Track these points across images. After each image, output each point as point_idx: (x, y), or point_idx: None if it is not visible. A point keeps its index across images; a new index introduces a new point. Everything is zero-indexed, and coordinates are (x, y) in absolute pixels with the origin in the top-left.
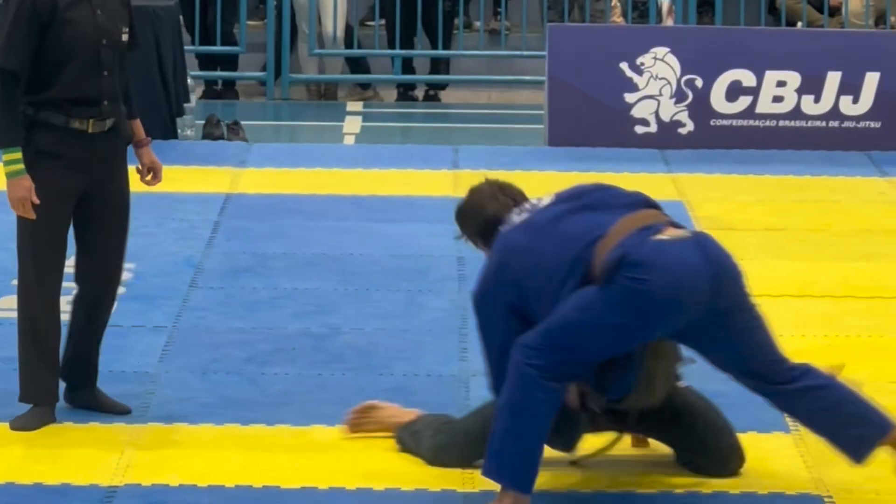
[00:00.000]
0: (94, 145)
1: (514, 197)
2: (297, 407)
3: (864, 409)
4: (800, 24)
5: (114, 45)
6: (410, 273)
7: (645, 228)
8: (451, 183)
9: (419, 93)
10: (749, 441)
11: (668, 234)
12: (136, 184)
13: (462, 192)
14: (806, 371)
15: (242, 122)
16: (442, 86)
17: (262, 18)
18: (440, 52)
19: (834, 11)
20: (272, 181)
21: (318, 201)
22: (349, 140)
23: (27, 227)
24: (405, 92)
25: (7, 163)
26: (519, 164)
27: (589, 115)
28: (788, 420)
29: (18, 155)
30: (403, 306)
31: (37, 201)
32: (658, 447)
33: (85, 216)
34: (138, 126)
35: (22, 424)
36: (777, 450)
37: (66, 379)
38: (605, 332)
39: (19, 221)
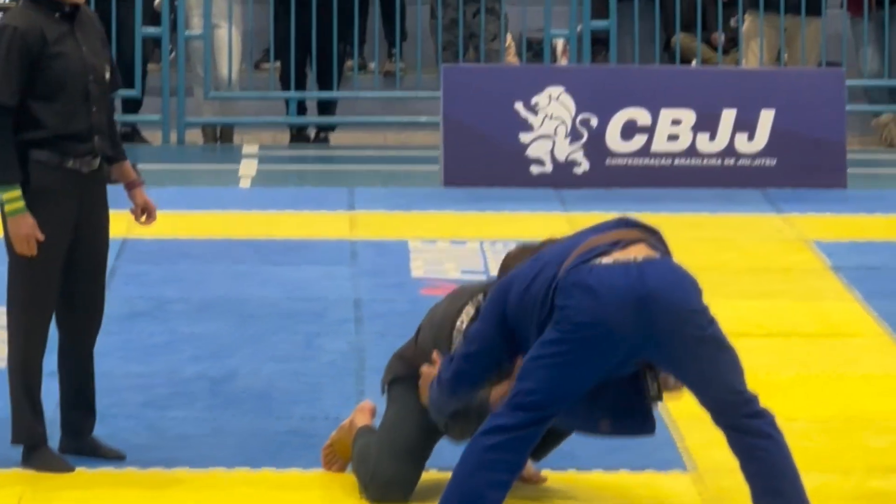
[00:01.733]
0: (84, 185)
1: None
2: (195, 451)
3: (791, 487)
4: (694, 61)
5: (100, 82)
6: (307, 315)
7: (594, 249)
8: (347, 225)
9: (310, 133)
10: (646, 480)
11: (614, 256)
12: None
13: (359, 234)
14: (759, 422)
15: (138, 166)
16: (331, 127)
17: (158, 62)
18: (335, 93)
19: (728, 49)
20: (169, 225)
21: (214, 245)
22: (245, 183)
23: (24, 267)
24: (299, 134)
25: (7, 201)
26: (415, 206)
27: (484, 155)
28: (686, 459)
29: (18, 192)
30: (301, 349)
31: (41, 238)
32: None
33: (70, 257)
34: (128, 167)
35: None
36: (674, 489)
37: (65, 426)
38: (548, 365)
39: (14, 262)
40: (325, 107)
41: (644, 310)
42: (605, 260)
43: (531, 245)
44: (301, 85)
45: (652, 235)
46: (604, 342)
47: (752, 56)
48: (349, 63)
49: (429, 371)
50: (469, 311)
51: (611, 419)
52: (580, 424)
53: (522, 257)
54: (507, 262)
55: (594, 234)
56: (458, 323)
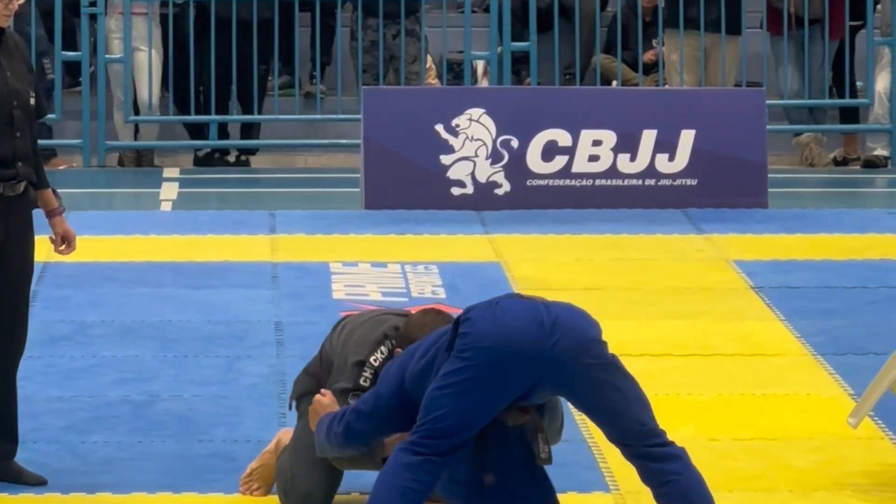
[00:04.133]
0: (9, 208)
1: None
2: (117, 475)
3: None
4: (615, 82)
5: (24, 108)
6: (228, 339)
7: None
8: (268, 248)
9: (231, 157)
10: (568, 501)
11: (514, 297)
12: None
13: (280, 257)
14: (668, 449)
15: (59, 190)
16: (252, 150)
17: (78, 86)
18: (255, 116)
19: (649, 70)
20: (89, 249)
21: (135, 268)
22: (166, 206)
23: None
24: (221, 157)
25: None
26: (336, 228)
27: (405, 177)
28: (608, 480)
29: None
30: (222, 372)
31: None
32: None
33: None
34: (50, 195)
35: None
36: None
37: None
38: (454, 392)
39: None
40: (248, 130)
41: (547, 331)
42: (506, 298)
43: (433, 314)
44: (224, 108)
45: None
46: (506, 364)
47: (674, 76)
48: (268, 85)
49: (320, 400)
50: (383, 350)
51: (495, 473)
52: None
53: (425, 327)
54: (411, 331)
55: None
56: (371, 359)
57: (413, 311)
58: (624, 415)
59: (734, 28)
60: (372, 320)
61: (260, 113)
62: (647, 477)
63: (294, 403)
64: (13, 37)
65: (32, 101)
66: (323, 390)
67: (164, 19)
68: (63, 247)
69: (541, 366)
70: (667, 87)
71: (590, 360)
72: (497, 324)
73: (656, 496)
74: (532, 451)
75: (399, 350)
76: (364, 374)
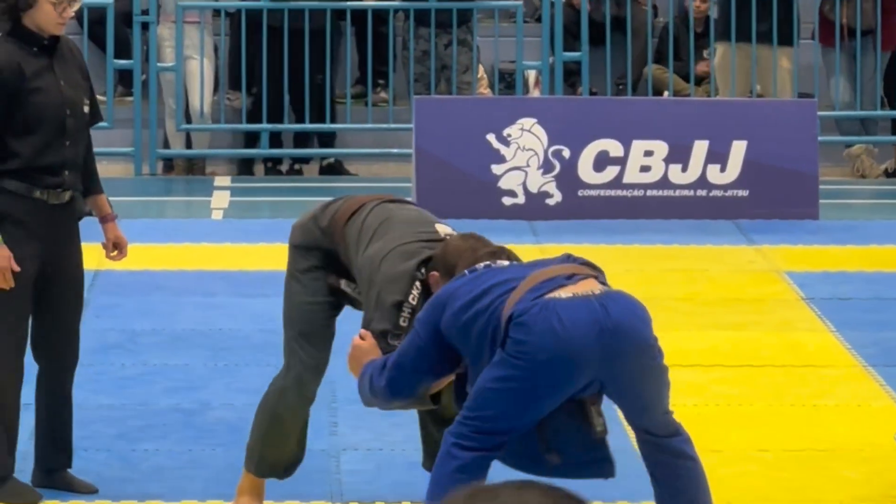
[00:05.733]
0: (53, 217)
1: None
2: (167, 483)
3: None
4: (666, 93)
5: (77, 116)
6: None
7: (548, 281)
8: None
9: (284, 167)
10: None
11: (569, 290)
12: None
13: None
14: (684, 444)
15: (110, 198)
16: (306, 160)
17: (130, 94)
18: (308, 125)
19: (700, 80)
20: (141, 257)
21: (186, 277)
22: (217, 215)
23: None
24: (273, 166)
25: None
26: None
27: (457, 187)
28: None
29: None
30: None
31: (17, 269)
32: None
33: (42, 291)
34: (103, 201)
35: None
36: None
37: (39, 461)
38: (507, 396)
39: None
40: (301, 139)
41: (608, 343)
42: (563, 294)
43: (473, 241)
44: (277, 117)
45: (597, 271)
46: (565, 376)
47: (725, 87)
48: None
49: (360, 346)
50: (418, 286)
51: (559, 451)
52: (527, 462)
53: (464, 255)
54: (449, 256)
55: (539, 267)
56: (410, 298)
57: (447, 236)
58: (657, 408)
59: (787, 39)
60: (400, 249)
61: (334, 122)
62: (658, 469)
63: (290, 249)
64: (68, 43)
65: (86, 108)
66: (362, 331)
67: (216, 28)
68: (115, 253)
69: (598, 371)
70: (719, 97)
71: (644, 363)
72: (557, 337)
73: (662, 482)
74: (587, 424)
75: (435, 274)
76: (403, 314)
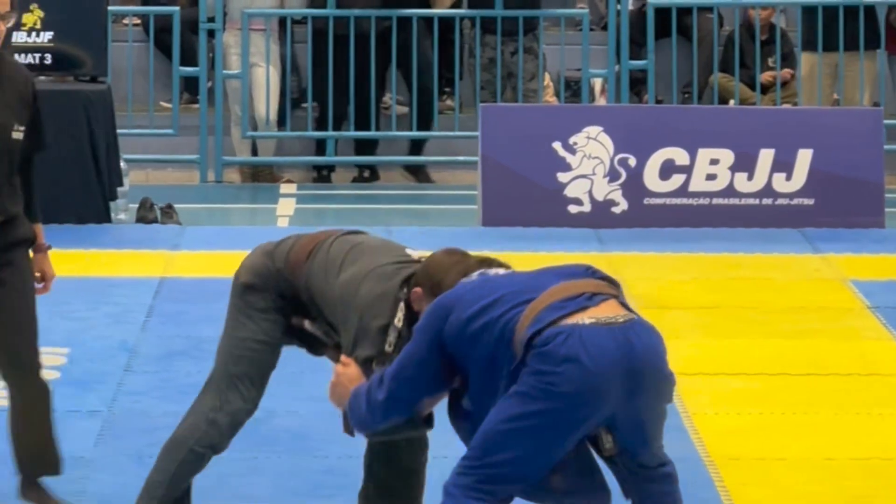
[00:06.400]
0: None
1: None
2: (231, 490)
3: None
4: (732, 101)
5: (4, 142)
6: None
7: (570, 300)
8: None
9: (350, 174)
10: None
11: (592, 314)
12: (68, 267)
13: None
14: (671, 466)
15: (176, 206)
16: (371, 167)
17: (196, 102)
18: (374, 133)
19: (766, 89)
20: (206, 264)
21: None
22: (283, 222)
23: None
24: (328, 174)
25: None
26: (452, 245)
27: (522, 194)
28: (725, 499)
29: None
30: None
31: None
32: None
33: None
34: (38, 231)
35: None
36: None
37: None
38: (524, 435)
39: None
40: (364, 146)
41: (632, 378)
42: (586, 320)
43: (459, 255)
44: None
45: (617, 289)
46: (590, 411)
47: (812, 98)
48: (448, 100)
49: (345, 373)
50: (402, 307)
51: (561, 474)
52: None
53: (451, 269)
54: (434, 271)
55: (559, 278)
56: (396, 321)
57: (422, 258)
58: (657, 440)
59: (855, 48)
60: (378, 272)
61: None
62: (648, 500)
63: (240, 287)
64: (11, 65)
65: (17, 135)
66: (344, 359)
67: (282, 35)
68: (40, 286)
69: (616, 406)
70: (784, 106)
71: (661, 399)
72: (584, 370)
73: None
74: (595, 444)
75: (418, 290)
76: (388, 338)
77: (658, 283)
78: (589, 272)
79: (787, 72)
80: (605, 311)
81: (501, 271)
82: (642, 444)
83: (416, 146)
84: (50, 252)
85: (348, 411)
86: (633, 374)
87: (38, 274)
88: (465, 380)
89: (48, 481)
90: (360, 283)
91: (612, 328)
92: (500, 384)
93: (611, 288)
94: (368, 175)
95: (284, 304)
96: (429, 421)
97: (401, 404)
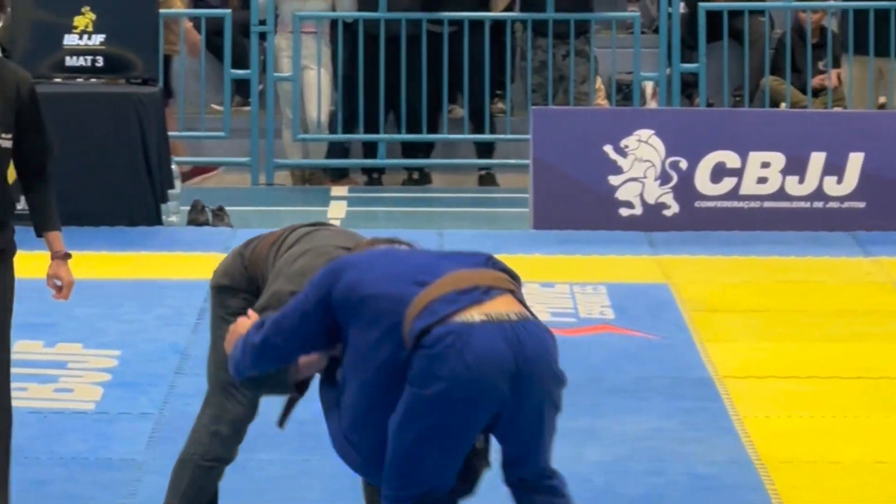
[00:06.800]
0: None
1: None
2: (283, 493)
3: None
4: (783, 104)
5: None
6: None
7: (463, 293)
8: None
9: (402, 177)
10: None
11: (484, 310)
12: (119, 269)
13: None
14: (561, 480)
15: (227, 208)
16: (423, 170)
17: (247, 104)
18: (425, 136)
19: (817, 92)
20: None
21: None
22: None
23: None
24: (379, 176)
25: None
26: (504, 248)
27: (574, 197)
28: (775, 501)
29: None
30: None
31: None
32: None
33: None
34: (56, 239)
35: None
36: None
37: None
38: (430, 443)
39: None
40: (414, 149)
41: (521, 378)
42: (477, 317)
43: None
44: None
45: (516, 283)
46: (480, 411)
47: (862, 102)
48: (499, 104)
49: (244, 322)
50: None
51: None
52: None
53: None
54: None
55: (458, 265)
56: None
57: (360, 244)
58: (539, 450)
59: None
60: (313, 252)
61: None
62: (524, 498)
63: (214, 291)
64: (5, 69)
65: (6, 143)
66: (250, 311)
67: (334, 38)
68: (55, 292)
69: (504, 407)
70: (835, 109)
71: (549, 402)
72: (470, 372)
73: None
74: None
75: None
76: None
77: (709, 287)
78: (490, 262)
79: (836, 73)
80: (499, 307)
81: (405, 248)
82: (525, 451)
83: (485, 150)
84: (97, 255)
85: (229, 355)
86: (522, 374)
87: (56, 281)
88: (344, 348)
89: (100, 482)
90: (296, 258)
91: (503, 326)
92: (380, 361)
93: (509, 282)
94: (418, 177)
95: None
96: (300, 387)
97: (273, 352)
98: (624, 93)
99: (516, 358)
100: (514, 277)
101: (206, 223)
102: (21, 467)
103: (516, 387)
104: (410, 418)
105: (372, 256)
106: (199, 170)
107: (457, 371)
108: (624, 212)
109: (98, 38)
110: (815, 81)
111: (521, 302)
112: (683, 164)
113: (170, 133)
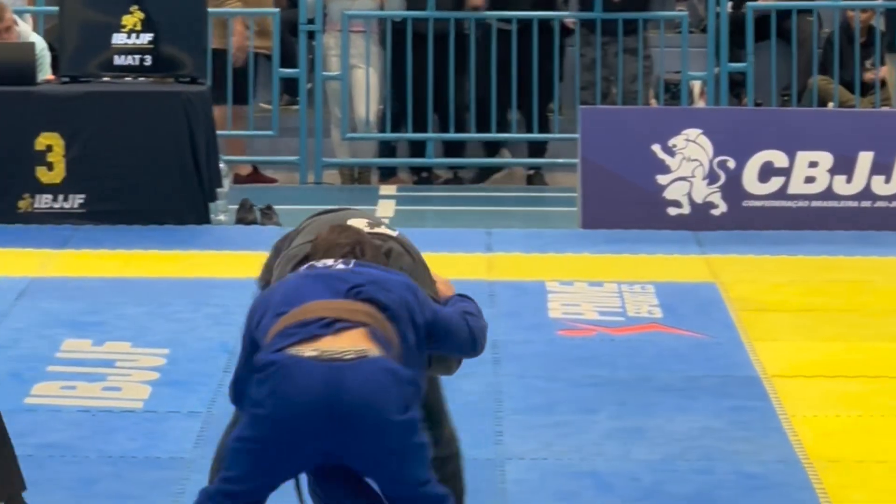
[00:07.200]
0: None
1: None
2: None
3: None
4: (831, 104)
5: None
6: None
7: (304, 325)
8: (485, 266)
9: (464, 174)
10: None
11: (319, 346)
12: (168, 268)
13: (497, 275)
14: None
15: (275, 207)
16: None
17: (295, 103)
18: (473, 135)
19: (866, 91)
20: None
21: None
22: None
23: None
24: (428, 176)
25: None
26: (553, 248)
27: (622, 197)
28: (823, 500)
29: None
30: None
31: None
32: None
33: None
34: None
35: None
36: None
37: None
38: (247, 457)
39: None
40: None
41: (338, 419)
42: (307, 352)
43: (337, 236)
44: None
45: (375, 318)
46: (290, 444)
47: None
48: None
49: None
50: None
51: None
52: None
53: (318, 250)
54: (316, 247)
55: (319, 295)
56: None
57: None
58: (409, 483)
59: None
60: (285, 257)
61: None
62: None
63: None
64: None
65: None
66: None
67: (382, 37)
68: None
69: (330, 447)
70: (884, 108)
71: (384, 443)
72: (287, 405)
73: None
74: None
75: None
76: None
77: (757, 286)
78: (352, 292)
79: (884, 69)
80: (337, 344)
81: (320, 265)
82: (393, 491)
83: (537, 150)
84: (145, 253)
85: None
86: (338, 415)
87: None
88: None
89: (148, 481)
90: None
91: (329, 365)
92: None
93: (367, 315)
94: (480, 177)
95: None
96: None
97: (237, 380)
98: (672, 92)
99: (330, 400)
100: (383, 309)
101: (254, 222)
102: (69, 466)
103: (336, 430)
104: (239, 431)
105: (272, 288)
106: (256, 177)
107: (270, 403)
108: (672, 211)
109: (146, 37)
110: (865, 77)
111: (375, 337)
112: (731, 164)
113: (218, 132)
